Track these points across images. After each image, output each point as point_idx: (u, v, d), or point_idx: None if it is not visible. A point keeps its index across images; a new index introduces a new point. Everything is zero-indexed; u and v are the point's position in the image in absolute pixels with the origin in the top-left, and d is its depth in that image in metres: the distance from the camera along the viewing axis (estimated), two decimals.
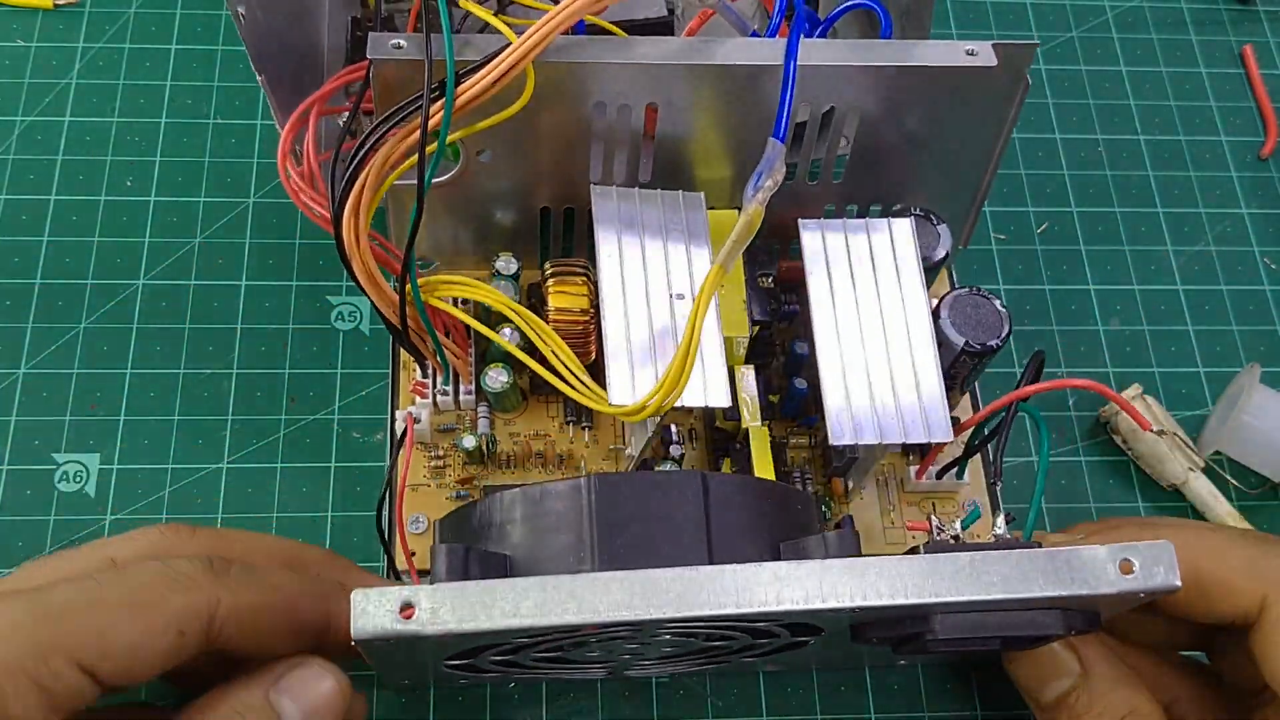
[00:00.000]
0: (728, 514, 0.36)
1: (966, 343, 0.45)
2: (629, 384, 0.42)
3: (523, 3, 0.44)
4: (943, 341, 0.45)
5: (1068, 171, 0.59)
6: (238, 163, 0.55)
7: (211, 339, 0.51)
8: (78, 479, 0.48)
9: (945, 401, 0.43)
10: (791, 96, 0.41)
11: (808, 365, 0.47)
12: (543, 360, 0.44)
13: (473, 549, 0.34)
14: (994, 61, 0.43)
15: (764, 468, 0.45)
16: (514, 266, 0.49)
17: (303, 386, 0.51)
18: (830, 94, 0.44)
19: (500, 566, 0.35)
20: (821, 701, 0.46)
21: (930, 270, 0.47)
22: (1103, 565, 0.33)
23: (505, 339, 0.45)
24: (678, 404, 0.41)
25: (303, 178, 0.46)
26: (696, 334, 0.41)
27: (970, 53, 0.44)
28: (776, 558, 0.36)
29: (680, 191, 0.47)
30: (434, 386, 0.48)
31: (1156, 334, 0.55)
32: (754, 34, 0.45)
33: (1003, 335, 0.45)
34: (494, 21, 0.41)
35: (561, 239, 0.51)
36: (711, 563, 0.34)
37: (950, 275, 0.54)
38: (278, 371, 0.51)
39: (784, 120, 0.41)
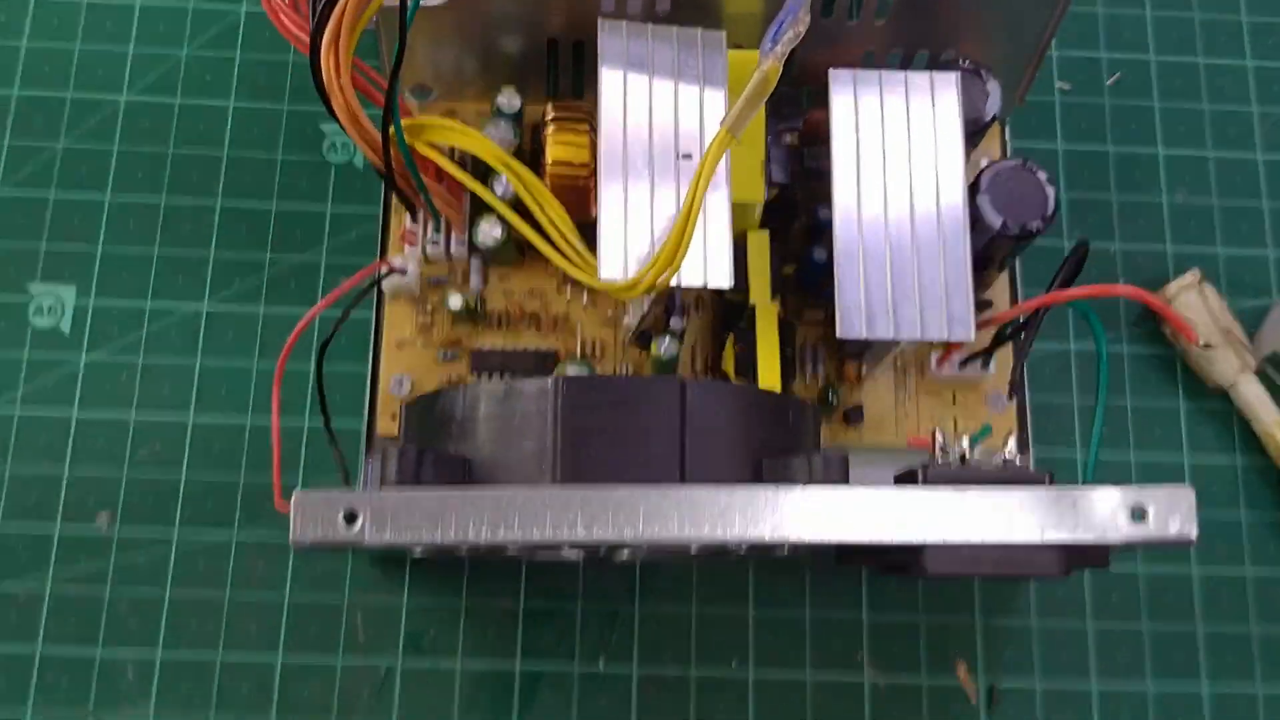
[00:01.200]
0: (706, 428, 0.33)
1: (1004, 223, 0.40)
2: (621, 257, 0.38)
3: None
4: (978, 219, 0.41)
5: (1151, 11, 0.52)
6: None
7: (196, 166, 0.48)
8: (52, 313, 0.46)
9: (971, 294, 0.39)
10: None
11: (827, 237, 0.43)
12: (533, 220, 0.41)
13: (428, 452, 0.32)
14: None
15: (768, 349, 0.42)
16: (517, 104, 0.45)
17: (290, 224, 0.48)
18: None
19: (458, 470, 0.32)
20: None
21: (976, 133, 0.42)
22: (1113, 512, 0.30)
23: (495, 195, 0.41)
24: (674, 283, 0.38)
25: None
26: (696, 205, 0.37)
27: None
28: (757, 477, 0.33)
29: (699, 30, 0.41)
30: (424, 235, 0.45)
31: (1226, 210, 0.49)
32: None
33: (1046, 215, 0.40)
34: None
35: (571, 73, 0.46)
36: (682, 480, 0.32)
37: (1003, 134, 0.48)
38: (264, 207, 0.48)
39: None
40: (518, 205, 0.42)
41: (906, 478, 0.34)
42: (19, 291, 0.46)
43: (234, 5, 0.50)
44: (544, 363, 0.45)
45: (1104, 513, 0.30)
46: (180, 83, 0.49)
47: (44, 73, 0.49)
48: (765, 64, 0.36)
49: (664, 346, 0.44)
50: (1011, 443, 0.35)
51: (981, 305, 0.45)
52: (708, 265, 0.39)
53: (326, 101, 0.40)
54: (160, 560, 0.44)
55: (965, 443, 0.36)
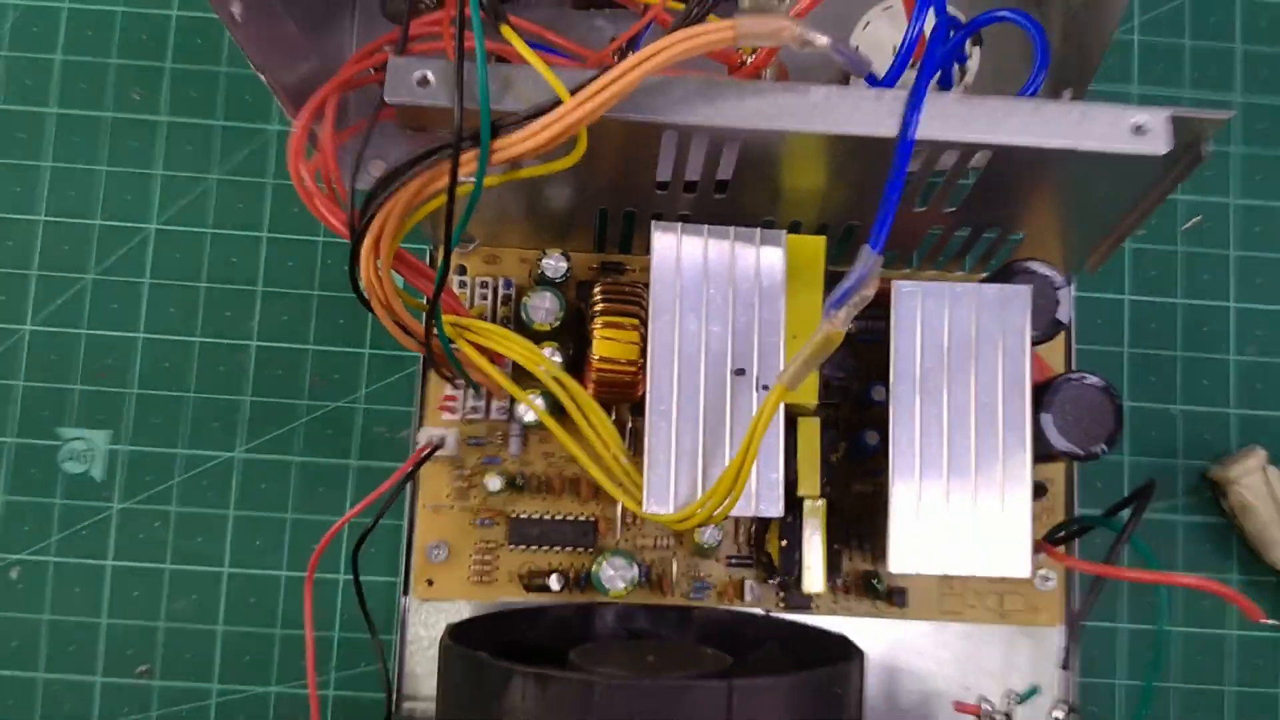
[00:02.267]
0: None
1: (1069, 448, 0.39)
2: (669, 491, 0.37)
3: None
4: (1040, 437, 0.39)
5: (1238, 148, 0.49)
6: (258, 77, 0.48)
7: (229, 302, 0.47)
8: (84, 459, 0.45)
9: (1029, 531, 0.38)
10: (895, 205, 0.33)
11: (881, 463, 0.41)
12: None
13: None
14: (1164, 147, 0.34)
15: (814, 552, 0.41)
16: (563, 268, 0.43)
17: (327, 366, 0.46)
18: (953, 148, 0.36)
19: None
20: None
21: (1042, 339, 0.40)
22: None
23: (538, 404, 0.40)
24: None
25: (319, 175, 0.39)
26: (753, 453, 0.35)
27: (1138, 129, 0.34)
28: None
29: (758, 230, 0.39)
30: (463, 404, 0.43)
31: None
32: (871, 77, 0.35)
33: (1110, 438, 0.39)
34: (544, 71, 0.33)
35: (619, 238, 0.44)
36: None
37: (1069, 343, 0.46)
38: (301, 347, 0.46)
39: (884, 230, 0.33)
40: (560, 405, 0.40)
41: None
42: (50, 437, 0.46)
43: (264, 125, 0.48)
44: (582, 534, 0.44)
45: None
46: (211, 211, 0.47)
47: (69, 197, 0.47)
48: (828, 326, 0.34)
49: (707, 535, 0.43)
50: (1060, 713, 0.35)
51: (1037, 490, 0.43)
52: (758, 495, 0.38)
53: (364, 299, 0.38)
54: (201, 711, 0.44)
55: (1012, 704, 0.35)
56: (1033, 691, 0.37)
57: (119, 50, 0.48)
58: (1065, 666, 0.39)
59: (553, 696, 0.33)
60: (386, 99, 0.34)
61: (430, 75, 0.34)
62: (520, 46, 0.33)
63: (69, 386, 0.46)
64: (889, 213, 0.33)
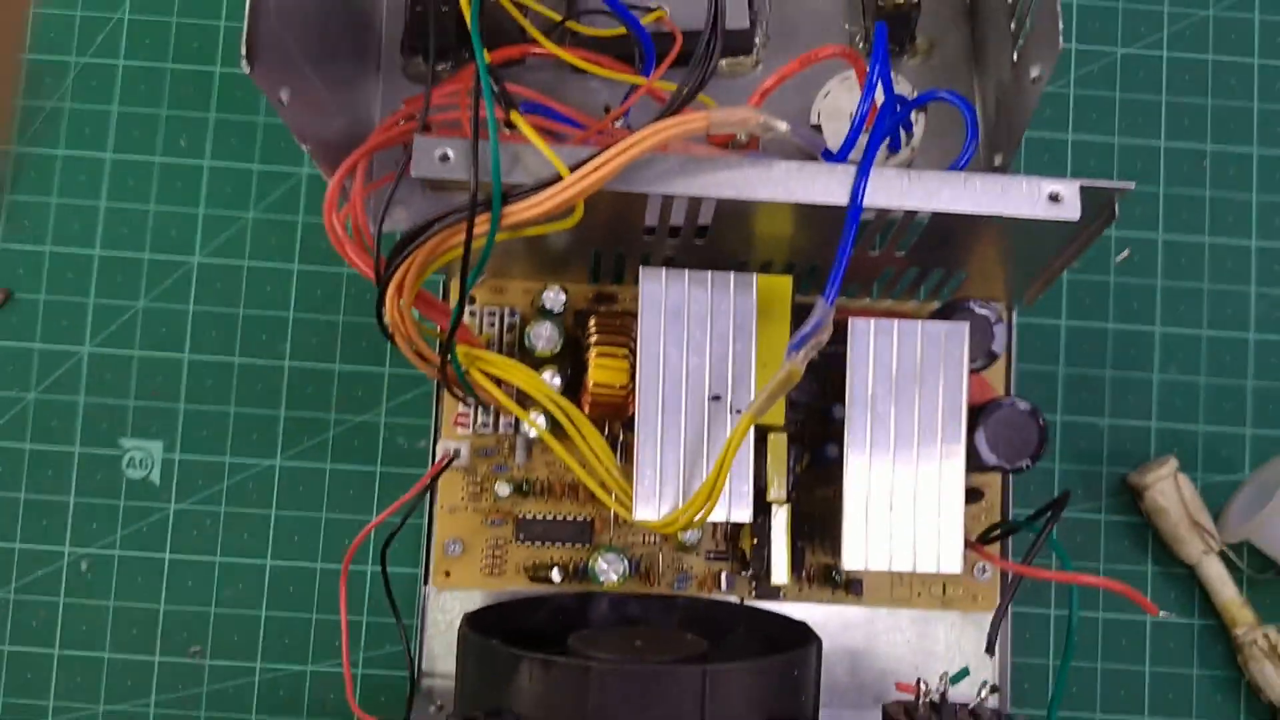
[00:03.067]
0: (725, 707, 0.38)
1: (998, 462, 0.45)
2: (654, 499, 0.43)
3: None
4: (974, 453, 0.45)
5: (1165, 189, 0.55)
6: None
7: (264, 327, 0.53)
8: (143, 466, 0.52)
9: (961, 533, 0.44)
10: (845, 263, 0.39)
11: (839, 472, 0.47)
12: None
13: None
14: (1076, 214, 0.40)
15: (780, 549, 0.47)
16: (561, 300, 0.49)
17: (352, 384, 0.52)
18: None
19: None
20: None
21: (981, 367, 0.47)
22: None
23: (539, 423, 0.46)
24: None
25: (349, 224, 0.45)
26: (725, 469, 0.42)
27: (1054, 198, 0.40)
28: None
29: (731, 274, 0.45)
30: (474, 420, 0.50)
31: (1212, 387, 0.53)
32: (826, 153, 0.41)
33: (1034, 455, 0.45)
34: (546, 152, 0.39)
35: (612, 272, 0.50)
36: None
37: (1010, 366, 0.52)
38: (328, 366, 0.52)
39: (835, 285, 0.39)
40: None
41: None
42: (113, 446, 0.52)
43: (295, 168, 0.53)
44: (580, 532, 0.50)
45: None
46: (248, 245, 0.53)
47: (122, 234, 0.53)
48: (789, 365, 0.40)
49: (687, 534, 0.49)
50: (986, 690, 0.41)
51: (971, 495, 0.49)
52: (731, 502, 0.44)
53: (388, 334, 0.44)
54: (246, 687, 0.51)
55: (945, 685, 0.42)
56: (963, 673, 0.43)
57: (169, 102, 0.54)
58: (989, 651, 0.45)
59: (555, 679, 0.39)
60: (413, 174, 0.40)
61: (450, 153, 0.40)
62: (529, 132, 0.39)
63: (125, 402, 0.52)
64: (839, 270, 0.39)
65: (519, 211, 0.39)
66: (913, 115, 0.47)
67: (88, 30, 0.54)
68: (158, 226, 0.53)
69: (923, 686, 0.41)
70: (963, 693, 0.42)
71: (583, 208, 0.40)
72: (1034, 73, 0.42)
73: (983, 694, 0.41)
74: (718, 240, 0.46)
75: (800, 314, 0.47)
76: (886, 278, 0.50)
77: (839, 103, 0.48)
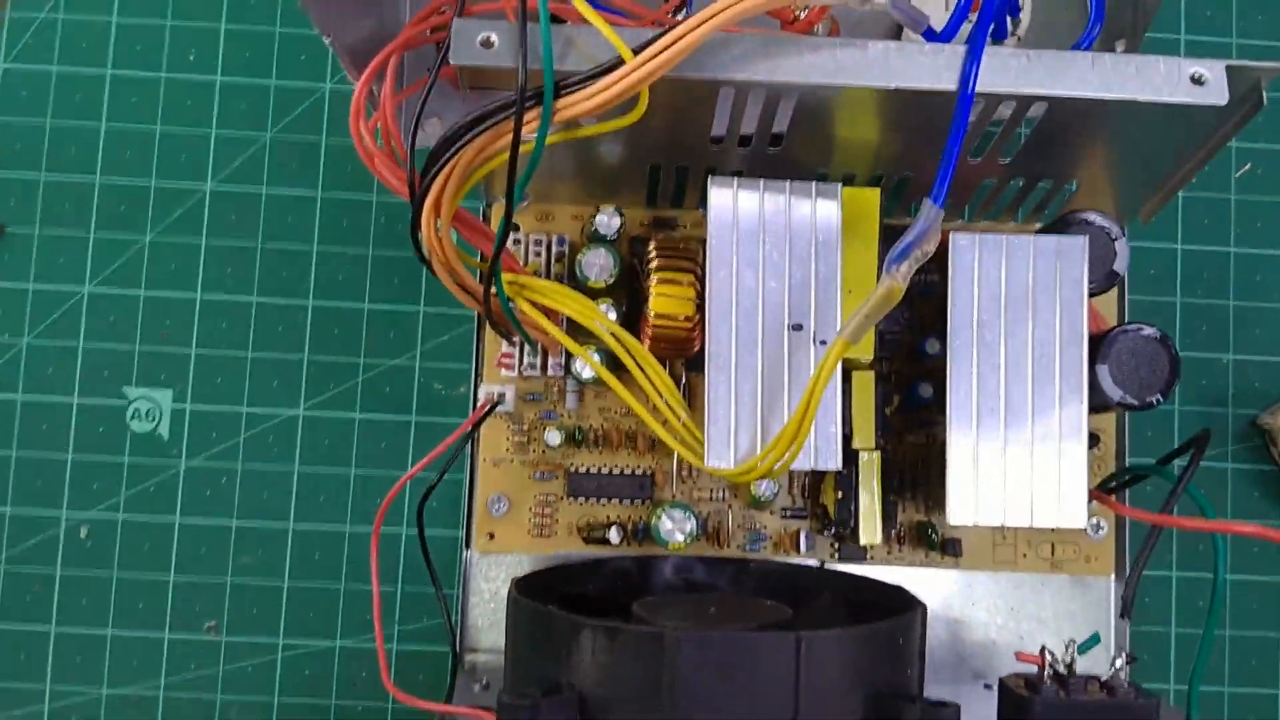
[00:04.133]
0: (820, 681, 0.33)
1: (1124, 397, 0.39)
2: (729, 444, 0.38)
3: None
4: (1095, 388, 0.39)
5: None
6: (313, 35, 0.47)
7: (285, 263, 0.47)
8: (150, 417, 0.46)
9: (1085, 482, 0.38)
10: (956, 157, 0.33)
11: (935, 414, 0.41)
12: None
13: (540, 702, 0.32)
14: (1223, 98, 0.34)
15: (870, 502, 0.41)
16: (615, 225, 0.44)
17: (382, 324, 0.47)
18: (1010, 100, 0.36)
19: (570, 711, 0.33)
20: None
21: (1098, 291, 0.41)
22: None
23: (595, 359, 0.40)
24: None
25: (378, 134, 0.40)
26: (813, 408, 0.36)
27: (1197, 79, 0.34)
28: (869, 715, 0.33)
29: (813, 184, 0.39)
30: (520, 360, 0.44)
31: None
32: (929, 32, 0.35)
33: (1166, 389, 0.39)
34: (606, 32, 0.33)
35: (673, 191, 0.44)
36: None
37: (1123, 294, 0.46)
38: (356, 305, 0.47)
39: (945, 184, 0.33)
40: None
41: (1012, 706, 0.35)
42: (116, 396, 0.47)
43: (318, 83, 0.48)
44: (640, 487, 0.44)
45: None
46: (266, 170, 0.48)
47: (124, 159, 0.48)
48: (888, 281, 0.34)
49: (763, 486, 0.43)
50: (1121, 661, 0.35)
51: (1090, 441, 0.44)
52: (818, 449, 0.38)
53: (425, 259, 0.38)
54: (267, 666, 0.45)
55: (1073, 654, 0.36)
56: (1094, 641, 0.37)
57: (174, 11, 0.48)
58: (1124, 615, 0.39)
59: (622, 649, 0.34)
60: (451, 61, 0.34)
61: (494, 37, 0.34)
62: (583, 8, 0.34)
63: (130, 347, 0.47)
64: (950, 167, 0.33)
65: (575, 103, 0.34)
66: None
67: None
68: (164, 150, 0.48)
69: (1047, 656, 0.36)
70: (1086, 667, 0.37)
71: (647, 99, 0.34)
72: None
73: (1117, 664, 0.35)
74: (793, 149, 0.40)
75: (889, 235, 0.42)
76: (982, 197, 0.44)
77: None
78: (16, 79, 0.48)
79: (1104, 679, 0.35)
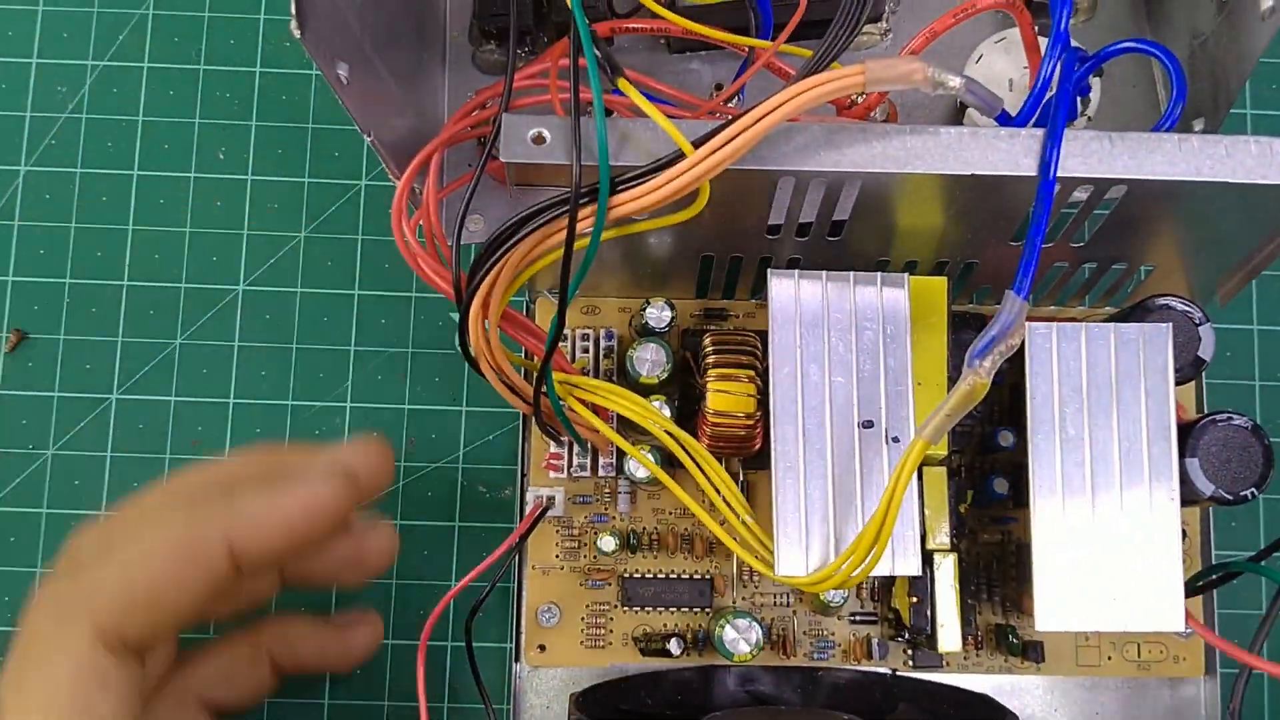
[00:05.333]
0: None
1: (1216, 491, 0.37)
2: (801, 549, 0.35)
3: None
4: (1184, 479, 0.37)
5: None
6: (347, 131, 0.47)
7: (321, 363, 0.45)
8: None
9: (1181, 581, 0.36)
10: (1039, 247, 0.31)
11: (1010, 510, 0.39)
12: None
13: None
14: None
15: (948, 608, 0.39)
16: (667, 318, 0.42)
17: (423, 426, 0.45)
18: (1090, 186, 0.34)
19: None
20: None
21: (1182, 380, 0.38)
22: None
23: (649, 459, 0.38)
24: None
25: (422, 233, 0.38)
26: (895, 510, 0.34)
27: None
28: None
29: (879, 275, 0.38)
30: (569, 462, 0.42)
31: None
32: (1003, 116, 0.34)
33: (1260, 481, 0.37)
34: (666, 126, 0.31)
35: (724, 284, 0.42)
36: None
37: (1200, 382, 0.44)
38: (396, 407, 0.45)
39: (1029, 275, 0.31)
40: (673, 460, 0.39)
41: None
42: None
43: (353, 180, 0.47)
44: (699, 593, 0.42)
45: None
46: (300, 269, 0.46)
47: (153, 261, 0.46)
48: (971, 378, 0.32)
49: (832, 593, 0.41)
50: None
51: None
52: (894, 552, 0.36)
53: (472, 361, 0.37)
54: None
55: None
56: None
57: (203, 108, 0.47)
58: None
59: None
60: (502, 158, 0.32)
61: (546, 133, 0.32)
62: (639, 100, 0.32)
63: (160, 456, 0.45)
64: (1034, 257, 0.31)
65: (633, 199, 0.32)
66: (1089, 79, 0.39)
67: (107, 29, 0.48)
68: (194, 251, 0.46)
69: None
70: None
71: (708, 193, 0.33)
72: (1266, 3, 0.34)
73: None
74: (853, 237, 0.38)
75: (955, 323, 0.40)
76: (1050, 282, 0.42)
77: (994, 68, 0.40)
78: (39, 181, 0.47)
79: None
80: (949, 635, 0.39)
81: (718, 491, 0.37)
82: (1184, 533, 0.42)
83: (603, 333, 0.43)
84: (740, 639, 0.40)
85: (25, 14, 0.48)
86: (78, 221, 0.47)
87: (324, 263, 0.46)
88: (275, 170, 0.47)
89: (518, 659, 0.42)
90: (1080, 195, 0.35)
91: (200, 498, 0.36)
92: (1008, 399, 0.42)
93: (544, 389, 0.37)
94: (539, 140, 0.33)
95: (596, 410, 0.39)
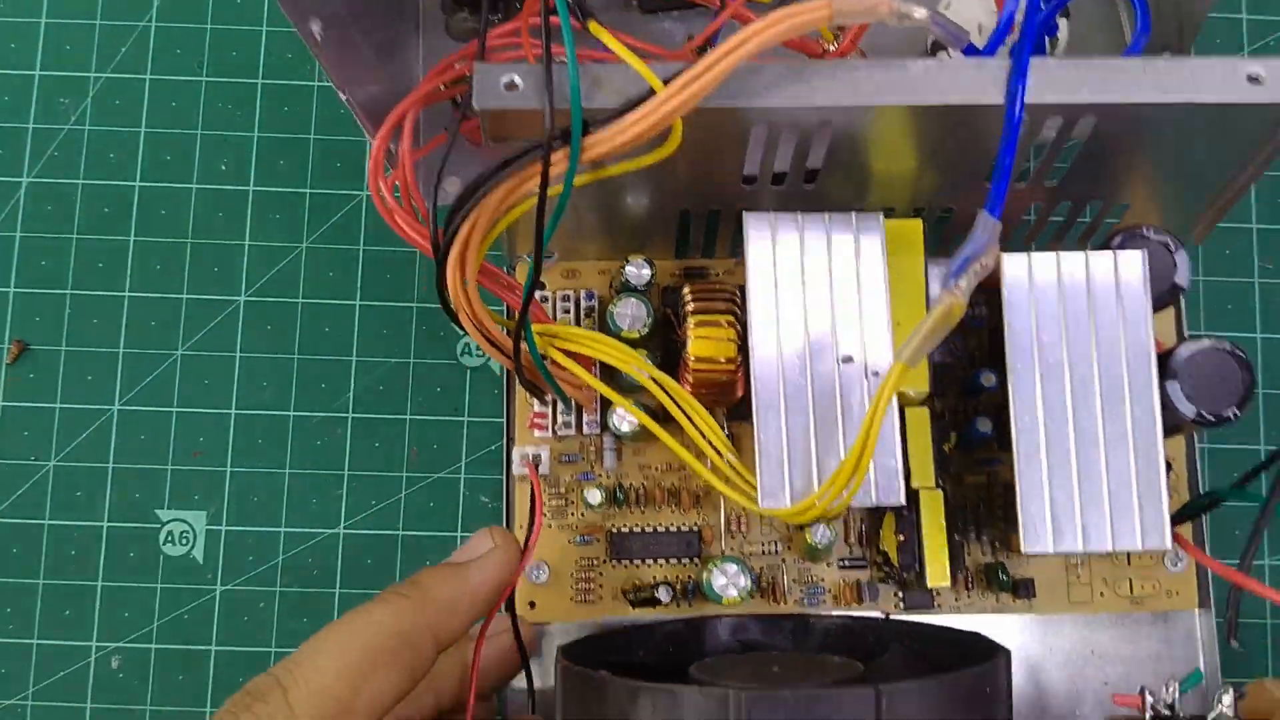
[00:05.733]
0: None
1: (1199, 413, 0.37)
2: (784, 483, 0.36)
3: None
4: (1167, 406, 0.37)
5: None
6: (348, 141, 0.47)
7: (323, 373, 0.46)
8: (184, 540, 0.45)
9: (1166, 498, 0.36)
10: (1010, 167, 0.32)
11: (995, 451, 0.40)
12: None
13: None
14: None
15: (935, 542, 0.39)
16: (647, 275, 0.42)
17: (425, 436, 0.45)
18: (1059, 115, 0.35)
19: None
20: None
21: (1159, 307, 0.39)
22: None
23: (636, 408, 0.39)
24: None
25: (397, 190, 0.38)
26: (873, 438, 0.34)
27: (1254, 78, 0.33)
28: None
29: (853, 214, 0.38)
30: (554, 420, 0.42)
31: None
32: (970, 48, 0.34)
33: (1242, 401, 0.37)
34: (635, 63, 0.32)
35: (703, 240, 0.43)
36: None
37: (1179, 311, 0.44)
38: (398, 417, 0.46)
39: (1001, 193, 0.32)
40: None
41: None
42: (148, 519, 0.45)
43: (355, 190, 0.47)
44: (687, 545, 0.42)
45: None
46: (301, 279, 0.47)
47: (154, 271, 0.47)
48: (948, 299, 0.33)
49: (819, 535, 0.41)
50: (1228, 699, 0.33)
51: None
52: (877, 484, 0.36)
53: (451, 313, 0.37)
54: None
55: (1174, 694, 0.33)
56: (1196, 678, 0.35)
57: (205, 120, 0.48)
58: (1230, 639, 0.36)
59: (687, 713, 0.31)
60: (475, 105, 0.33)
61: (518, 79, 0.33)
62: (611, 41, 0.33)
63: (162, 467, 0.45)
64: (1004, 177, 0.32)
65: (606, 139, 0.32)
66: (1057, 19, 0.40)
67: (109, 41, 0.48)
68: (196, 262, 0.47)
69: (1147, 698, 0.33)
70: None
71: (680, 132, 0.33)
72: None
73: (1224, 700, 0.33)
74: (829, 185, 0.39)
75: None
76: (1025, 229, 0.43)
77: (964, 12, 0.41)
78: (42, 192, 0.47)
79: (1211, 717, 0.33)
80: (937, 570, 0.39)
81: (702, 435, 0.38)
82: (1169, 466, 0.43)
83: (583, 293, 0.44)
84: (729, 584, 0.40)
85: (28, 26, 0.49)
86: (80, 232, 0.47)
87: (326, 273, 0.47)
88: (277, 181, 0.47)
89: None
90: (1049, 134, 0.36)
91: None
92: (989, 342, 0.43)
93: (524, 339, 0.37)
94: (511, 87, 0.33)
95: (579, 361, 0.40)
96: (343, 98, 0.36)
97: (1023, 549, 0.36)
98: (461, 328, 0.37)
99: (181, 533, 0.45)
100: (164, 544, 0.45)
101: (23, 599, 0.44)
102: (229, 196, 0.47)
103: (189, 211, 0.47)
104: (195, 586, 0.45)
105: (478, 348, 0.45)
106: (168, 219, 0.47)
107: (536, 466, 0.41)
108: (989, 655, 0.35)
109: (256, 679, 0.32)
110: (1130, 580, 0.42)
